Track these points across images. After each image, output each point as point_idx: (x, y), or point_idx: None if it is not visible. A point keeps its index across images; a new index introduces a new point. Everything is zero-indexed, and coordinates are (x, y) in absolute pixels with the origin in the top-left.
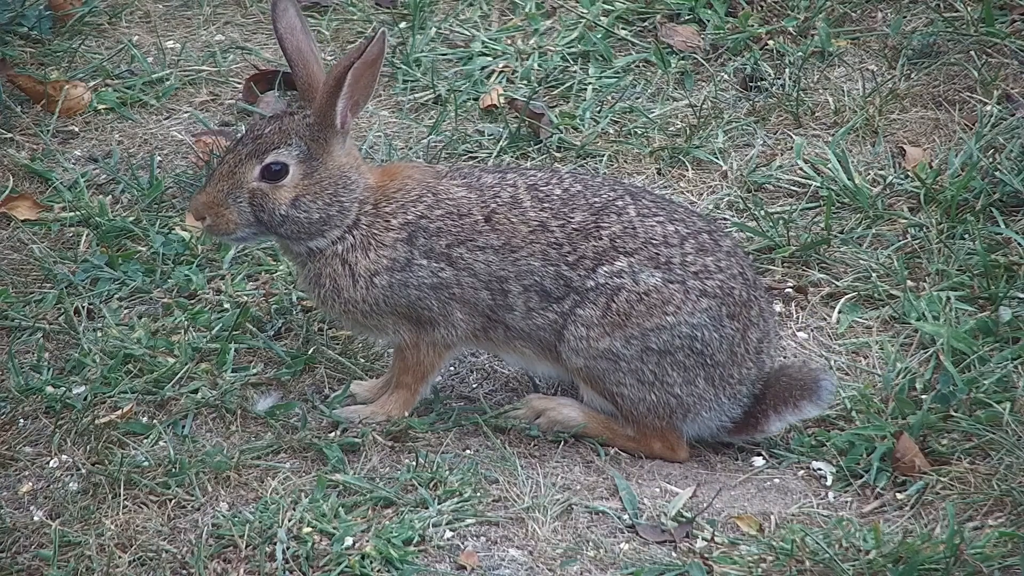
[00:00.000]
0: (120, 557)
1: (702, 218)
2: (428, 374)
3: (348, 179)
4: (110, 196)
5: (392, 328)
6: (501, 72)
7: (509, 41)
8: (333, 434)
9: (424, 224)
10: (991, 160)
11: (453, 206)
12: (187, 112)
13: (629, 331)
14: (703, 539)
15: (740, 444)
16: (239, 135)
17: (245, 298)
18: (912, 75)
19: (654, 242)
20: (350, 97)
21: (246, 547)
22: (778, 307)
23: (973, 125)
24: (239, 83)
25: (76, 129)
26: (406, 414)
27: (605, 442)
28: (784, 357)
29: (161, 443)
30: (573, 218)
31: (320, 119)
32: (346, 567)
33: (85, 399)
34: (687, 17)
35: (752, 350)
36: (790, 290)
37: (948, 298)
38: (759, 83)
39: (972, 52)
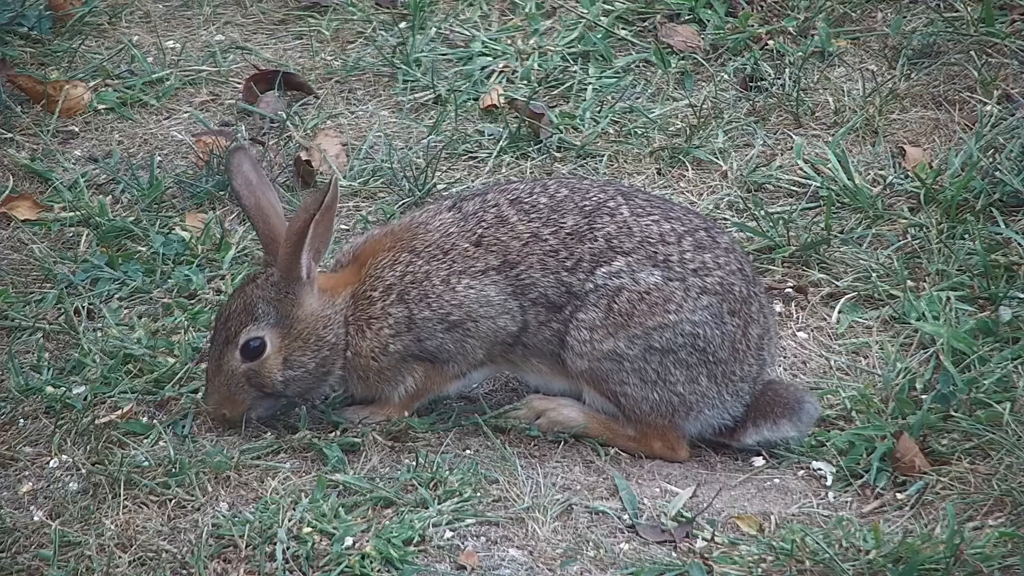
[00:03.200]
0: (120, 557)
1: (698, 216)
2: (429, 395)
3: (325, 318)
4: (110, 196)
5: (408, 373)
6: (501, 72)
7: (509, 41)
8: (333, 434)
9: (410, 278)
10: (991, 160)
11: (436, 247)
12: (187, 112)
13: (632, 331)
14: (703, 539)
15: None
16: (214, 324)
17: None
18: (912, 75)
19: (651, 240)
20: (312, 248)
21: (246, 547)
22: (778, 307)
23: (973, 125)
24: (239, 83)
25: (76, 129)
26: (406, 415)
27: (605, 442)
28: (784, 357)
29: (161, 443)
30: (565, 223)
31: (285, 275)
32: (346, 567)
33: (85, 399)
34: (687, 17)
35: (753, 346)
36: (790, 290)
37: (948, 298)
38: (759, 83)
39: (972, 52)
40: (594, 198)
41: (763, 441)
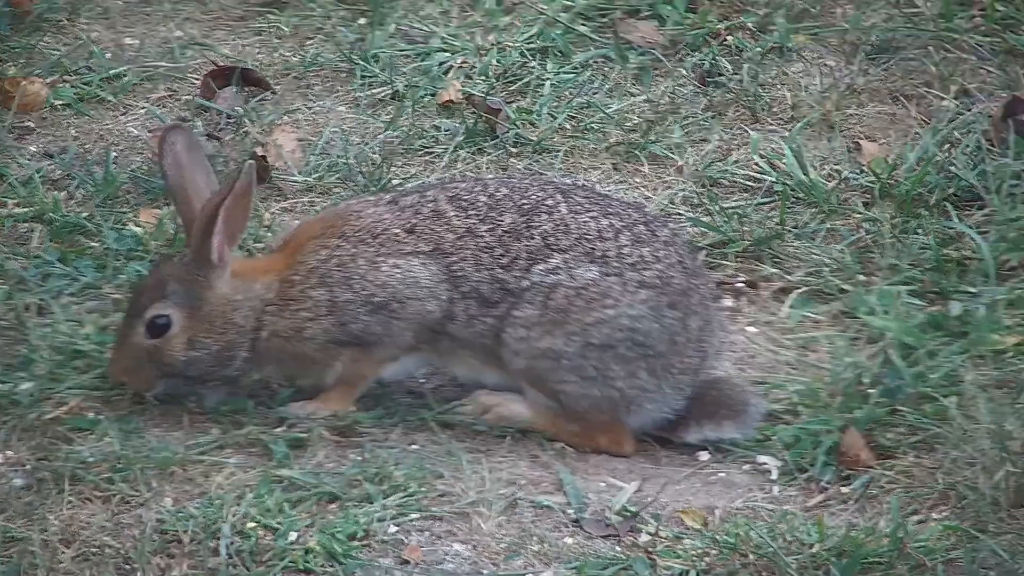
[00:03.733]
0: (63, 553)
1: (638, 210)
2: (368, 379)
3: (236, 302)
4: (65, 192)
5: (334, 358)
6: (460, 68)
7: (468, 37)
8: (279, 429)
9: (335, 261)
10: (946, 155)
11: (367, 232)
12: (144, 108)
13: (569, 328)
14: (647, 533)
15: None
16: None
17: None
18: (870, 70)
19: (588, 237)
20: (224, 232)
21: (190, 542)
22: (728, 302)
23: (930, 120)
24: (197, 79)
25: (32, 125)
26: (351, 408)
27: (552, 437)
28: (733, 351)
29: (107, 439)
30: (503, 221)
31: (197, 257)
32: (289, 562)
33: (31, 395)
34: (647, 13)
35: (694, 339)
36: (741, 284)
37: (899, 293)
38: (717, 79)
39: (930, 47)
40: (533, 196)
41: (705, 440)
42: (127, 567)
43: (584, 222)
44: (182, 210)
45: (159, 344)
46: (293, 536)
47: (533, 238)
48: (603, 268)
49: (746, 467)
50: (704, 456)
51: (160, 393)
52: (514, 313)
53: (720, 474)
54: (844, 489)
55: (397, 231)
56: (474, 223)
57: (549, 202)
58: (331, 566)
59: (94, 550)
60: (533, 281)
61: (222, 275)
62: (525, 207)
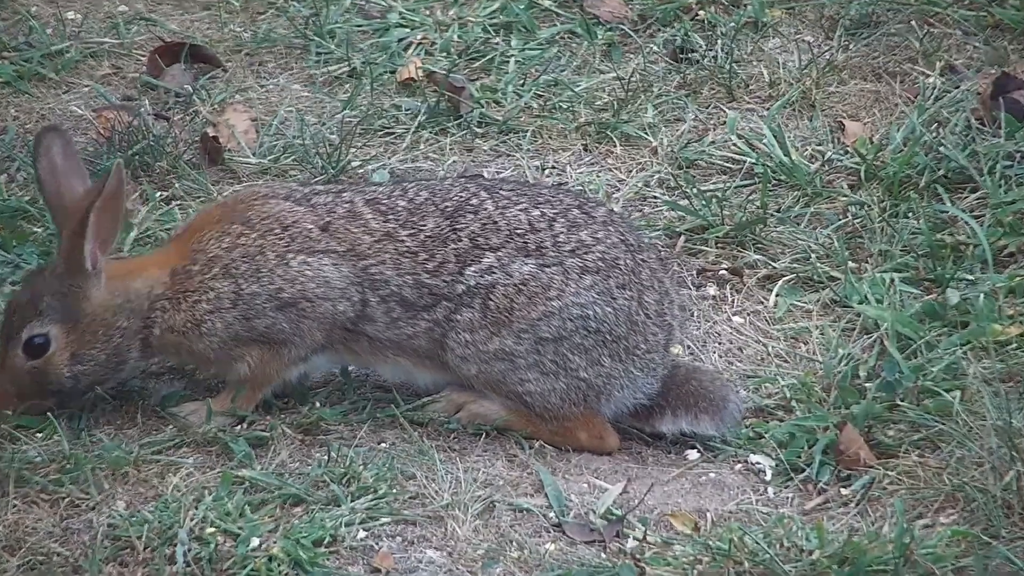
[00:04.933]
0: (8, 561)
1: (570, 194)
2: (271, 383)
3: (116, 307)
4: (5, 175)
5: (241, 358)
6: (419, 44)
7: (428, 12)
8: (239, 427)
9: (240, 251)
10: (935, 135)
11: (275, 220)
12: (88, 86)
13: (517, 326)
14: (634, 538)
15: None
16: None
17: None
18: (851, 46)
19: (519, 231)
20: (96, 237)
21: (144, 549)
22: (712, 290)
23: (915, 98)
24: (143, 56)
25: None
26: (250, 411)
27: (530, 435)
28: (719, 343)
29: (55, 437)
30: (425, 226)
31: (69, 266)
32: (252, 570)
33: None
34: None
35: (653, 314)
36: (724, 272)
37: (892, 280)
38: (690, 55)
39: (913, 22)
40: (455, 198)
41: (680, 432)
42: None
43: (514, 216)
44: (56, 218)
45: (40, 365)
46: (255, 542)
47: (460, 240)
48: (540, 260)
49: (738, 467)
50: (693, 455)
51: (63, 404)
52: (455, 318)
53: (711, 474)
54: (844, 490)
55: (310, 227)
56: (393, 228)
57: (473, 201)
58: (296, 574)
59: (41, 557)
60: (469, 284)
61: (97, 282)
62: (448, 209)
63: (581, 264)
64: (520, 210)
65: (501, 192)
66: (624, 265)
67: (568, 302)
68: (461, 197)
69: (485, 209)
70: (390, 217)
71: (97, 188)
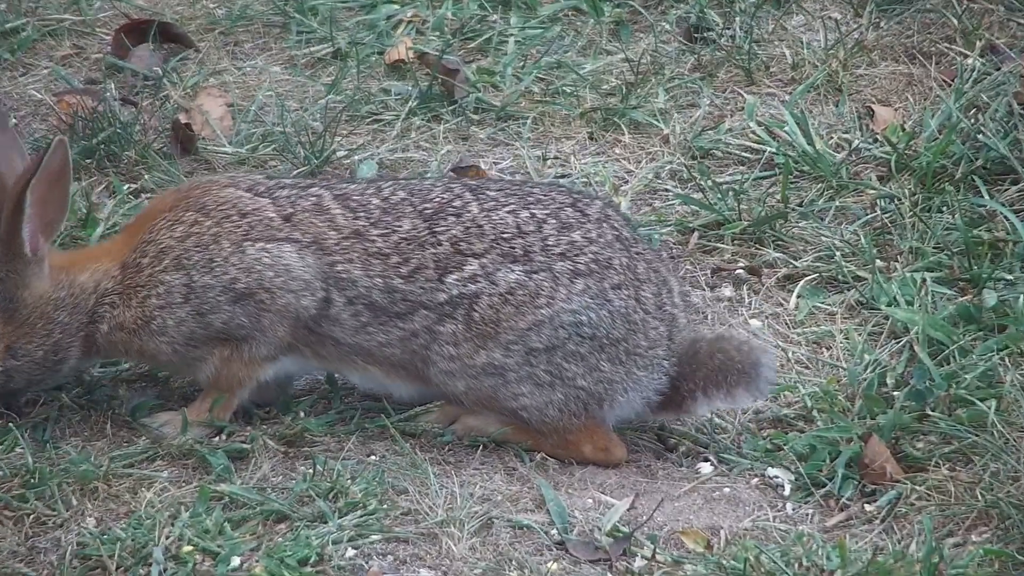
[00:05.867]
0: None
1: (564, 191)
2: (243, 386)
3: (58, 300)
4: None
5: (203, 360)
6: (410, 22)
7: None
8: (218, 438)
9: (193, 240)
10: (973, 121)
11: (232, 207)
12: (47, 68)
13: (504, 337)
14: (643, 557)
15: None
16: None
17: None
18: (882, 24)
19: (505, 236)
20: (38, 218)
21: (116, 569)
22: (727, 291)
23: (952, 81)
24: (108, 34)
25: None
26: (227, 420)
27: (531, 448)
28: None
29: (18, 450)
30: (400, 227)
31: (6, 250)
32: None
33: None
34: None
35: (653, 308)
36: (741, 271)
37: (923, 280)
38: (705, 34)
39: None
40: (436, 199)
41: (718, 411)
42: None
43: (500, 219)
44: None
45: None
46: (236, 561)
47: (440, 244)
48: (527, 266)
49: (754, 481)
50: (707, 469)
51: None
52: (437, 329)
53: (725, 489)
54: (868, 507)
55: (272, 215)
56: (364, 226)
57: (456, 203)
58: None
59: None
60: (451, 293)
61: (39, 271)
62: (427, 211)
63: (572, 268)
64: (508, 212)
65: (488, 193)
66: (619, 264)
67: (559, 309)
68: (443, 199)
69: (469, 211)
70: (360, 214)
71: (34, 163)
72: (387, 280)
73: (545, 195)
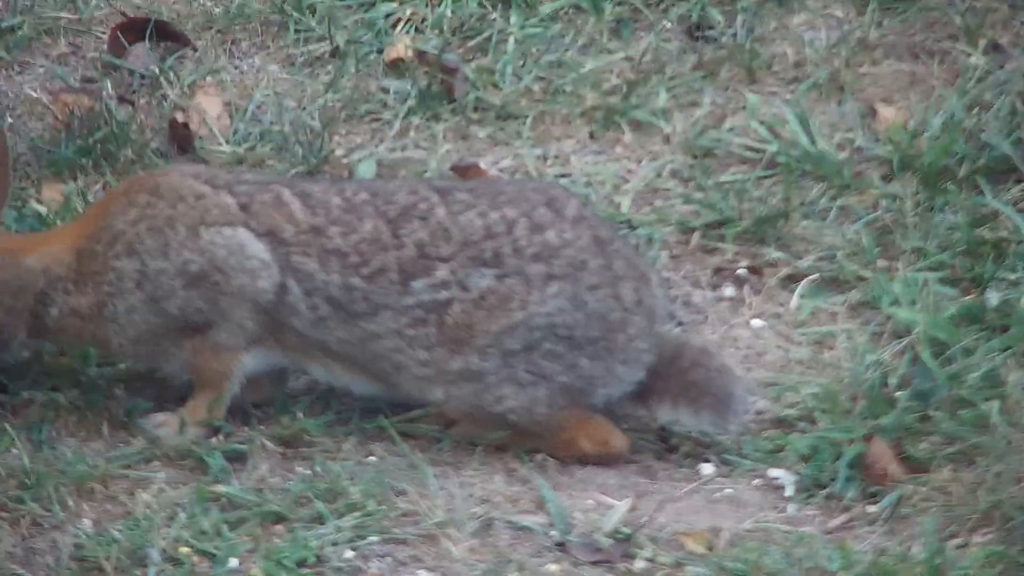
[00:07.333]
0: None
1: (539, 189)
2: (226, 379)
3: (2, 283)
4: None
5: (176, 348)
6: (409, 20)
7: None
8: (215, 439)
9: (146, 224)
10: (976, 120)
11: (188, 190)
12: (43, 67)
13: (479, 342)
14: (644, 559)
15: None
16: None
17: None
18: (885, 22)
19: (474, 239)
20: None
21: (113, 570)
22: (729, 291)
23: (955, 79)
24: (104, 33)
25: None
26: (221, 417)
27: (531, 449)
28: (737, 348)
29: (14, 451)
30: (361, 227)
31: None
32: None
33: None
34: None
35: (631, 304)
36: (743, 271)
37: (926, 280)
38: (707, 32)
39: None
40: (401, 201)
41: (675, 423)
42: None
43: (469, 221)
44: None
45: None
46: (233, 563)
47: (404, 247)
48: (498, 270)
49: (756, 482)
50: (708, 470)
51: None
52: (407, 333)
53: (727, 490)
54: (870, 508)
55: (229, 201)
56: (322, 223)
57: (422, 206)
58: None
59: None
60: (420, 299)
61: None
62: (390, 213)
63: (546, 271)
64: (477, 214)
65: (456, 195)
66: (596, 265)
67: (532, 312)
68: (408, 201)
69: (436, 214)
70: (319, 212)
71: None
72: (345, 278)
73: (518, 194)
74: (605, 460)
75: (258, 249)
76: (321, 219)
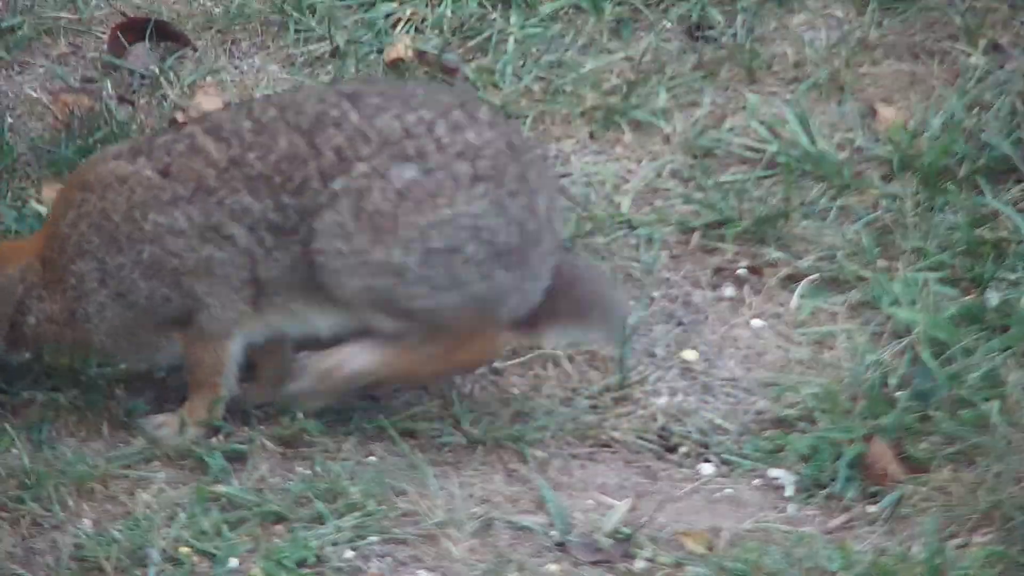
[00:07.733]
0: None
1: (450, 94)
2: (219, 373)
3: None
4: None
5: (161, 341)
6: (409, 20)
7: None
8: (215, 439)
9: (85, 222)
10: (976, 120)
11: (117, 181)
12: (43, 67)
13: (405, 234)
14: (644, 559)
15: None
16: None
17: None
18: (885, 22)
19: (392, 139)
20: None
21: (113, 570)
22: (729, 291)
23: (955, 79)
24: (104, 33)
25: None
26: (220, 414)
27: (409, 381)
28: (736, 348)
29: (14, 451)
30: (276, 145)
31: None
32: None
33: None
34: None
35: (544, 219)
36: (743, 271)
37: (926, 280)
38: (707, 32)
39: None
40: (311, 111)
41: (568, 343)
42: None
43: (385, 123)
44: None
45: None
46: (233, 563)
47: (323, 156)
48: (423, 164)
49: (756, 482)
50: (708, 469)
51: None
52: (316, 226)
53: (726, 490)
54: (870, 508)
55: (150, 174)
56: (238, 153)
57: (334, 113)
58: None
59: None
60: (337, 189)
61: None
62: (303, 125)
63: (471, 172)
64: (393, 116)
65: (367, 100)
66: (514, 171)
67: (460, 211)
68: (318, 110)
69: (349, 120)
70: (234, 143)
71: None
72: (276, 199)
73: (431, 97)
74: (466, 369)
75: (192, 226)
76: (236, 150)
